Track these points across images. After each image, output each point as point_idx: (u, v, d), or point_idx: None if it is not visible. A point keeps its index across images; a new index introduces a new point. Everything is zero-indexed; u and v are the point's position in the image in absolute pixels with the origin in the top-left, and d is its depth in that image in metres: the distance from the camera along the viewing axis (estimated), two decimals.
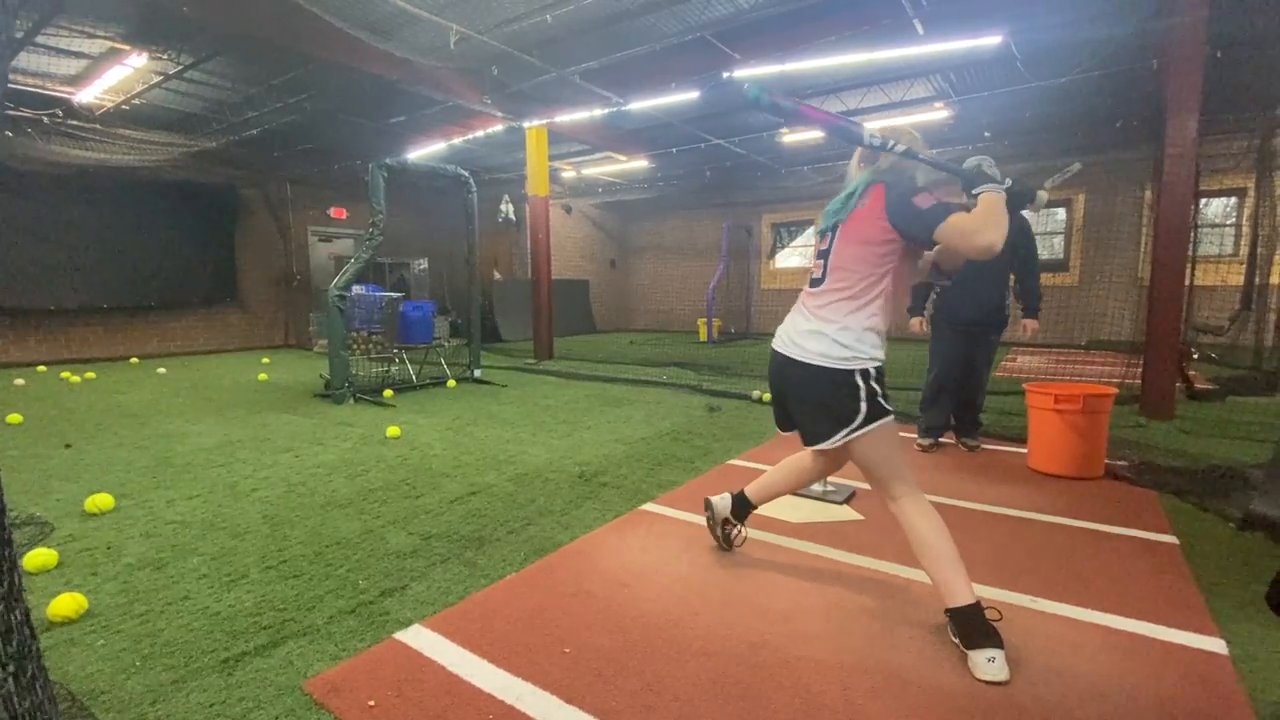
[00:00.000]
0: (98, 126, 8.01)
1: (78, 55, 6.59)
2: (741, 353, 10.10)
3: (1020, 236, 3.68)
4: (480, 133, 9.18)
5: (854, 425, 1.84)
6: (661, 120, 9.09)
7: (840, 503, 2.99)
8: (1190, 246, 4.95)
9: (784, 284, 14.43)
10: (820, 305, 1.92)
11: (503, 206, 13.03)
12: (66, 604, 1.95)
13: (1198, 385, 5.60)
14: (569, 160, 12.05)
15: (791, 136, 9.76)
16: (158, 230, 9.93)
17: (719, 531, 2.45)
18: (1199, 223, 7.16)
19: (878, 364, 1.90)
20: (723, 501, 2.41)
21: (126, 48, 6.28)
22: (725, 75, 6.78)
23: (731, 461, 3.72)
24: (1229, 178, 8.91)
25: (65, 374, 7.75)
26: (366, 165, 6.06)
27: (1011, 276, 3.81)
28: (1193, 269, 5.22)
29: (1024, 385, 3.59)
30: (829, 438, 1.88)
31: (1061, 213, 11.46)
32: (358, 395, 5.87)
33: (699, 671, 1.69)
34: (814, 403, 1.91)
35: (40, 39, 5.97)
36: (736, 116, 9.08)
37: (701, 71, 6.93)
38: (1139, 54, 6.13)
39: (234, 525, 2.76)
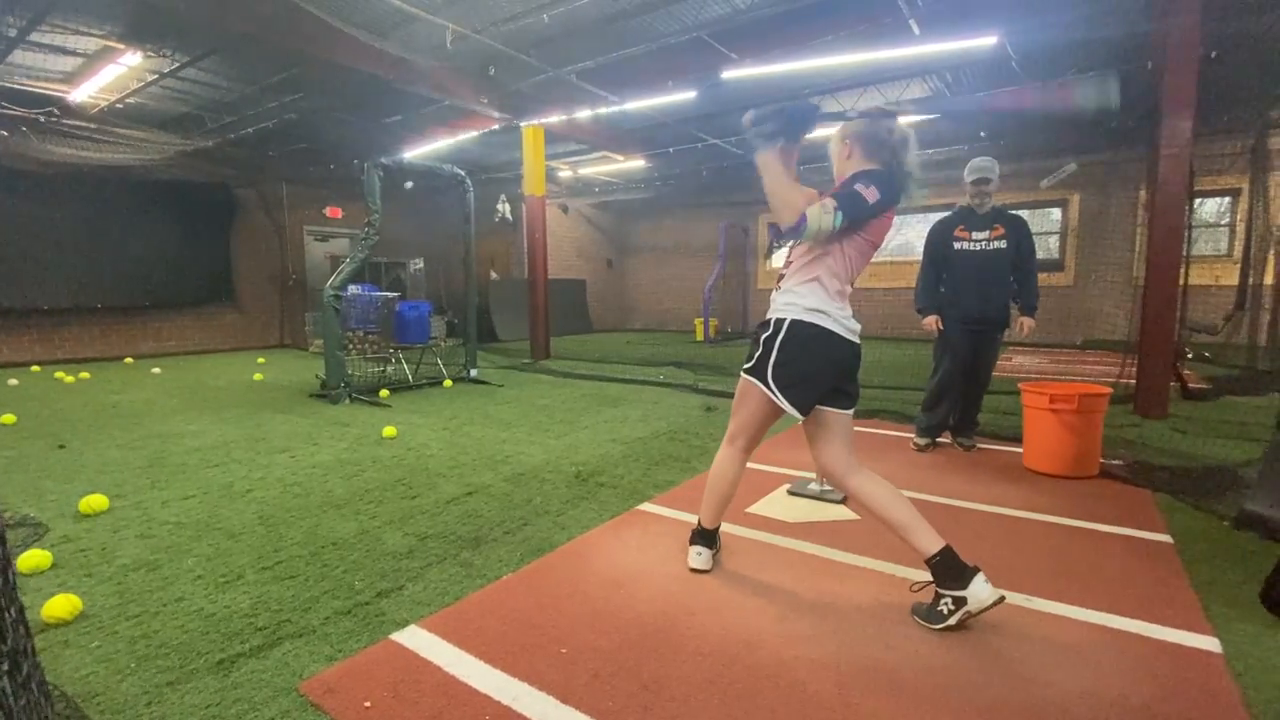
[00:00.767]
0: (92, 125, 7.97)
1: (72, 53, 6.56)
2: (738, 352, 10.11)
3: (1021, 234, 3.73)
4: (477, 132, 9.17)
5: None
6: (658, 120, 9.09)
7: (837, 502, 3.00)
8: (1185, 246, 4.97)
9: None
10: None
11: (499, 206, 13.01)
12: (61, 605, 1.94)
13: (1192, 385, 5.62)
14: (566, 160, 12.04)
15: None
16: (152, 230, 9.89)
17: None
18: (1193, 223, 7.19)
19: None
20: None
21: (121, 46, 6.25)
22: (722, 75, 6.79)
23: None
24: (1223, 178, 8.95)
25: (59, 374, 7.71)
26: (362, 165, 6.05)
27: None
28: (1187, 269, 5.24)
29: (1020, 385, 3.61)
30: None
31: (1057, 213, 11.50)
32: (354, 395, 5.85)
33: (695, 671, 1.69)
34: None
35: (34, 37, 5.93)
36: (733, 116, 9.08)
37: (698, 71, 6.94)
38: (1134, 55, 6.16)
39: (229, 526, 2.75)
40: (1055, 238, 11.52)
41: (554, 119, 8.53)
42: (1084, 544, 2.52)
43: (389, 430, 4.45)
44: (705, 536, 2.29)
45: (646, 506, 2.98)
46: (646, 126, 9.74)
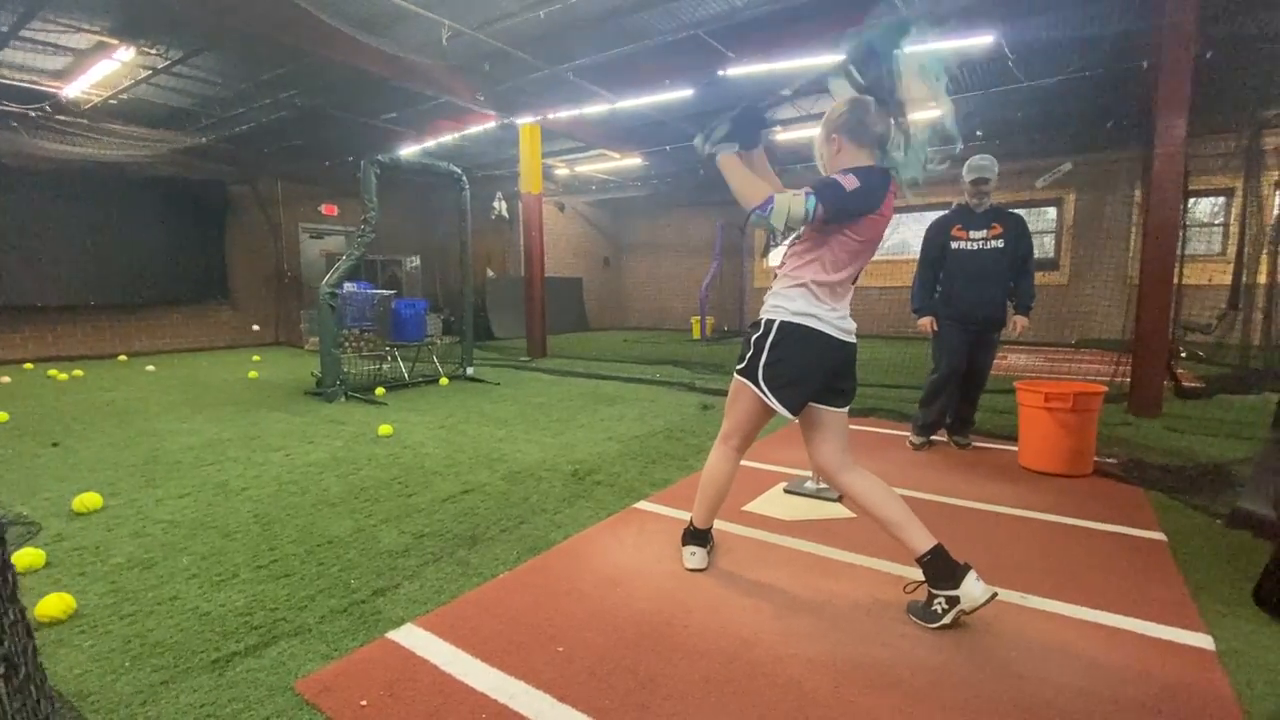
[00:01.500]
0: (85, 122, 7.92)
1: (64, 49, 6.51)
2: (735, 351, 10.10)
3: (1019, 233, 3.72)
4: (473, 129, 9.15)
5: None
6: (655, 117, 9.08)
7: (833, 500, 3.01)
8: (1179, 246, 5.00)
9: None
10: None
11: (496, 204, 12.98)
12: (54, 604, 1.93)
13: (1186, 383, 5.65)
14: (562, 158, 12.02)
15: (785, 134, 9.78)
16: (146, 227, 9.83)
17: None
18: (1188, 222, 7.22)
19: None
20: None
21: (114, 42, 6.21)
22: (719, 73, 6.78)
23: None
24: (1217, 178, 8.99)
25: (52, 371, 7.67)
26: (358, 162, 6.02)
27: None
28: (1181, 268, 5.26)
29: (1015, 384, 3.62)
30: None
31: (1052, 212, 11.54)
32: (349, 393, 5.83)
33: (692, 669, 1.69)
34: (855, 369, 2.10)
35: (26, 33, 5.89)
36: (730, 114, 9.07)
37: (695, 69, 6.94)
38: (1129, 54, 6.18)
39: (224, 524, 2.74)
40: (1051, 237, 11.55)
41: (551, 116, 8.51)
42: (1078, 542, 2.53)
43: (385, 428, 4.44)
44: (697, 536, 2.30)
45: (643, 505, 2.98)
46: (643, 124, 9.73)
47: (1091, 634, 1.86)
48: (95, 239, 9.31)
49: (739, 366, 2.08)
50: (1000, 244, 3.69)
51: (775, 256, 2.24)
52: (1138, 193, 6.29)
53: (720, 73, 6.77)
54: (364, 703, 1.55)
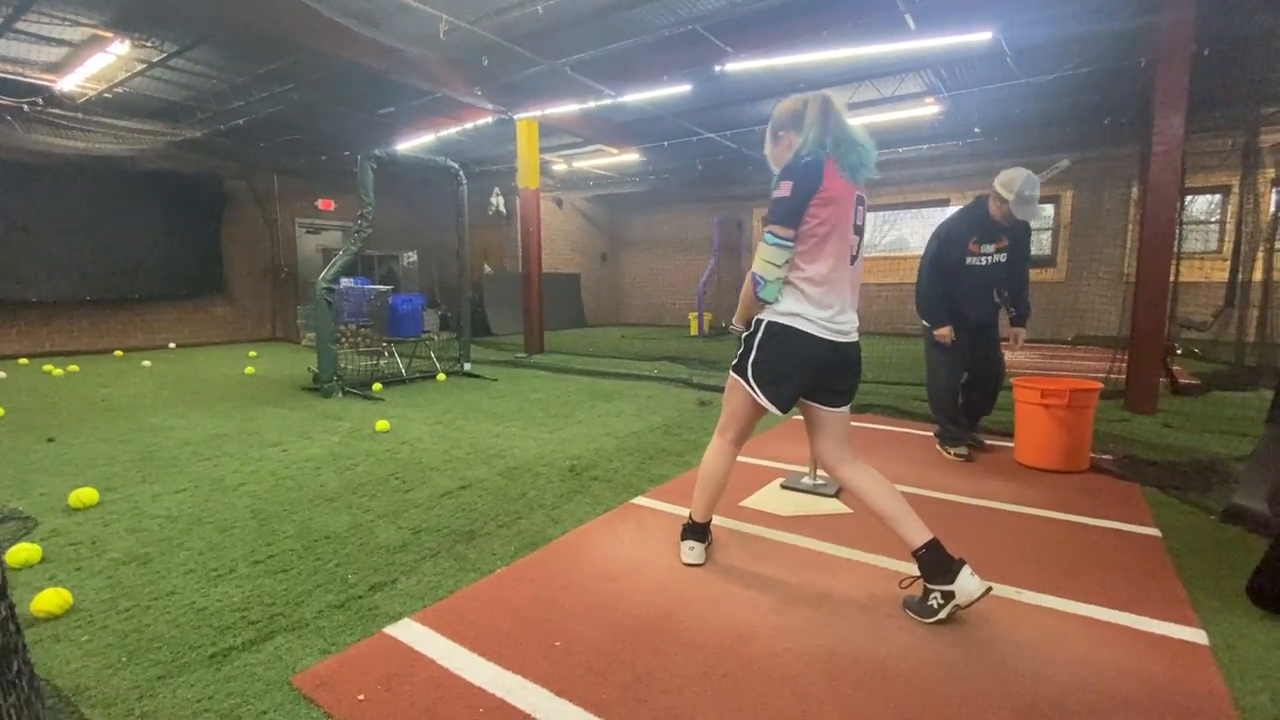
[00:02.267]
0: (79, 115, 7.86)
1: (58, 42, 6.46)
2: (732, 347, 10.11)
3: (1022, 241, 3.57)
4: (470, 124, 9.12)
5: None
6: (653, 113, 9.06)
7: (830, 496, 3.01)
8: (1175, 243, 5.01)
9: None
10: (850, 304, 2.04)
11: (493, 199, 12.95)
12: (50, 599, 1.93)
13: (1181, 380, 5.67)
14: (560, 153, 11.98)
15: None
16: (142, 221, 9.79)
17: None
18: (1184, 220, 7.23)
19: None
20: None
21: (109, 34, 6.16)
22: (717, 68, 6.76)
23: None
24: (1214, 175, 9.01)
25: (48, 367, 7.64)
26: (355, 157, 5.99)
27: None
28: (1177, 265, 5.27)
29: (1011, 380, 3.63)
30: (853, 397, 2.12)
31: (1049, 209, 11.55)
32: (346, 389, 5.82)
33: (689, 664, 1.69)
34: (858, 370, 2.11)
35: (20, 25, 5.85)
36: (728, 110, 9.07)
37: (693, 64, 6.91)
38: (1127, 51, 6.18)
39: (221, 520, 2.74)
40: (1048, 234, 11.57)
41: (549, 111, 8.48)
42: (1074, 538, 2.54)
43: (382, 424, 4.44)
44: (696, 530, 2.31)
45: (640, 500, 2.99)
46: (641, 120, 9.70)
47: (1086, 629, 1.87)
48: (90, 234, 9.27)
49: (734, 362, 2.14)
50: (1003, 258, 3.57)
51: None
52: (1135, 190, 6.31)
53: (718, 68, 6.76)
54: (361, 697, 1.56)
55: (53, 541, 2.49)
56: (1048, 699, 1.55)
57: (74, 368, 7.68)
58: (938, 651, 1.75)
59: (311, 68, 7.14)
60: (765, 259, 1.93)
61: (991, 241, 3.55)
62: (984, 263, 3.58)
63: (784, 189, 1.89)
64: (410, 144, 10.11)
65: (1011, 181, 3.34)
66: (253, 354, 9.36)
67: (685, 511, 2.43)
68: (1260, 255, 7.34)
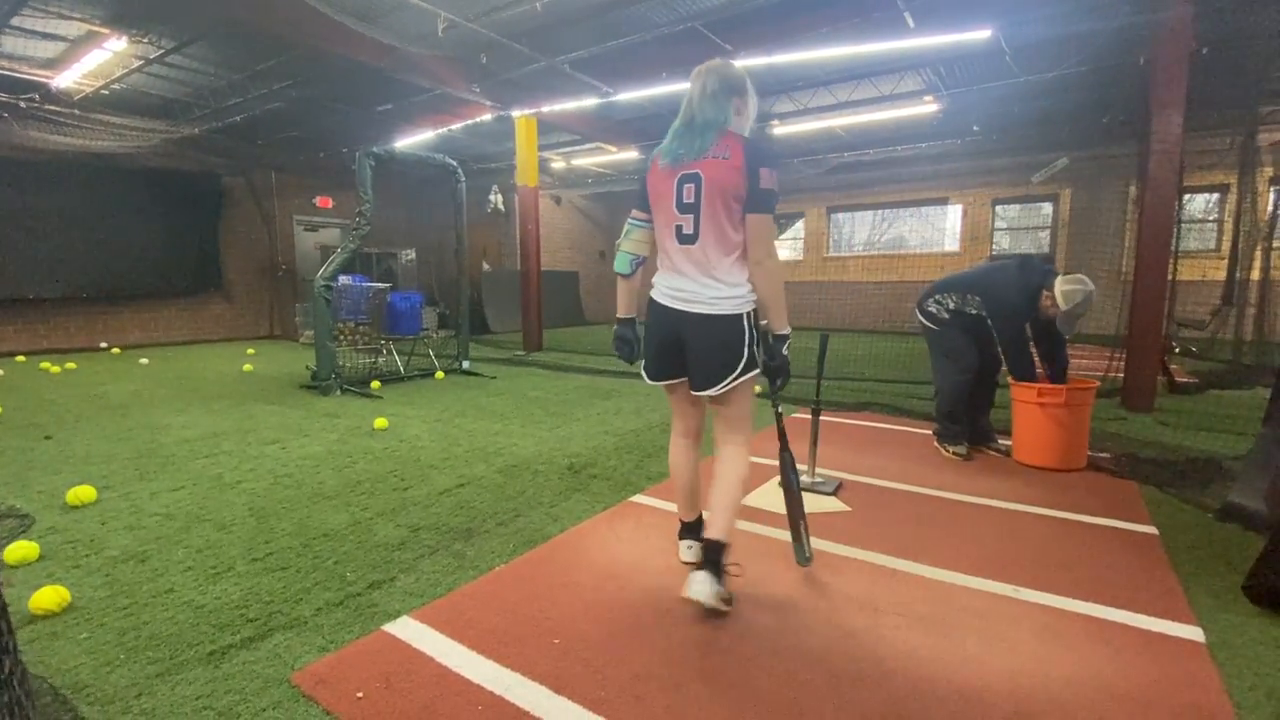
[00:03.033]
0: (76, 112, 7.83)
1: (55, 38, 6.43)
2: None
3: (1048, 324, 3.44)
4: (469, 121, 9.09)
5: (738, 371, 1.92)
6: (652, 111, 9.05)
7: (828, 494, 3.02)
8: (1173, 242, 5.01)
9: None
10: (712, 276, 1.90)
11: (492, 197, 12.93)
12: (48, 597, 1.93)
13: (1179, 379, 5.68)
14: (558, 151, 11.97)
15: (781, 128, 9.76)
16: (139, 218, 9.77)
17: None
18: (1182, 218, 7.24)
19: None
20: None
21: (105, 31, 6.14)
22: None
23: None
24: (1212, 174, 9.03)
25: (45, 364, 7.62)
26: (353, 154, 5.98)
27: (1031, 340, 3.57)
28: (1175, 264, 5.28)
29: (1009, 379, 3.63)
30: (719, 382, 1.93)
31: (1048, 207, 11.56)
32: (345, 387, 5.82)
33: (687, 662, 1.70)
34: (716, 349, 1.93)
35: (16, 21, 5.82)
36: None
37: (692, 62, 6.82)
38: (1126, 50, 6.18)
39: (219, 517, 2.74)
40: (1046, 232, 11.58)
41: (547, 109, 8.46)
42: (1071, 535, 2.55)
43: (380, 422, 4.43)
44: (688, 529, 2.25)
45: (639, 498, 2.99)
46: (640, 117, 9.69)
47: (1083, 626, 1.88)
48: (88, 231, 9.25)
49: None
50: None
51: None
52: (1133, 188, 6.31)
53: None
54: (360, 695, 1.56)
55: (51, 539, 2.49)
56: (1045, 696, 1.56)
57: (71, 365, 7.67)
58: (936, 648, 1.76)
59: (309, 65, 7.12)
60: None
61: None
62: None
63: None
64: (409, 141, 10.08)
65: (1072, 295, 3.29)
66: (251, 351, 9.34)
67: None
68: (1258, 254, 7.35)
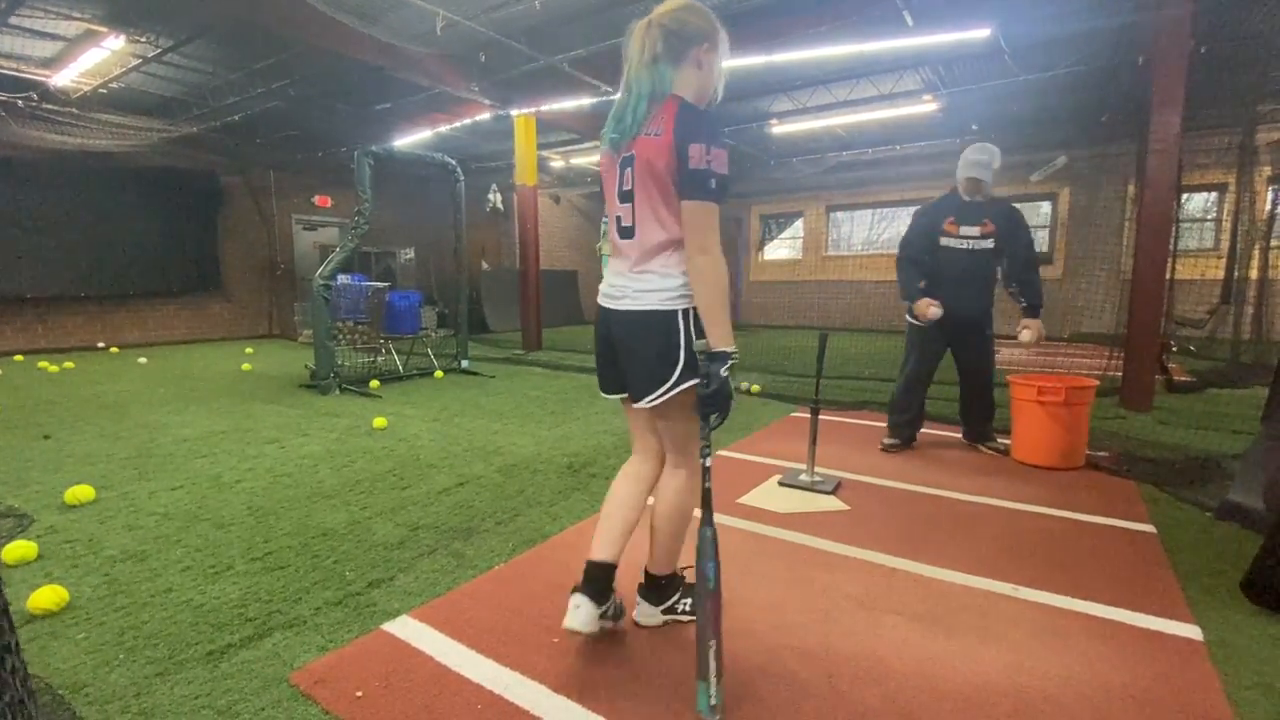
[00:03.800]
0: (74, 110, 7.82)
1: (53, 37, 6.42)
2: None
3: (1014, 227, 3.44)
4: (468, 120, 9.09)
5: (674, 378, 1.58)
6: None
7: (827, 493, 3.02)
8: (1172, 241, 5.02)
9: (773, 276, 14.46)
10: (645, 268, 1.61)
11: (490, 196, 12.91)
12: (47, 596, 1.92)
13: (1177, 378, 5.69)
14: (558, 150, 11.96)
15: (781, 128, 9.75)
16: (137, 217, 9.75)
17: (607, 626, 1.81)
18: (1180, 217, 7.26)
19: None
20: (581, 610, 1.65)
21: (104, 29, 6.13)
22: None
23: (721, 452, 3.73)
24: (1211, 173, 9.04)
25: (43, 363, 7.61)
26: (351, 153, 5.97)
27: (1000, 271, 3.57)
28: (1174, 263, 5.30)
29: (1008, 378, 3.64)
30: (652, 392, 1.61)
31: (1046, 206, 11.57)
32: (343, 386, 5.81)
33: (685, 660, 1.70)
34: (645, 352, 1.63)
35: (14, 20, 5.81)
36: (725, 107, 9.05)
37: None
38: (1125, 48, 6.18)
39: (218, 517, 2.73)
40: (1045, 231, 11.59)
41: (546, 108, 8.46)
42: (1069, 534, 2.55)
43: (379, 421, 4.43)
44: (591, 577, 1.77)
45: None
46: None
47: (1081, 624, 1.88)
48: (86, 230, 9.23)
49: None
50: (989, 245, 3.44)
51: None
52: (1131, 187, 6.32)
53: None
54: (359, 694, 1.56)
55: (49, 539, 2.49)
56: (1042, 693, 1.56)
57: (70, 364, 7.65)
58: (934, 647, 1.76)
59: (308, 63, 7.11)
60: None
61: (973, 224, 3.44)
62: (965, 246, 3.46)
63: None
64: (407, 140, 10.07)
65: (964, 153, 3.43)
66: (249, 351, 9.33)
67: None
68: (1256, 253, 7.36)
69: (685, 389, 1.59)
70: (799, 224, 14.14)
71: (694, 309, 1.58)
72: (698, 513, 1.59)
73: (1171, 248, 4.99)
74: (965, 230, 3.47)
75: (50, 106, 7.66)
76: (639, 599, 1.87)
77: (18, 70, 7.01)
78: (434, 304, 12.34)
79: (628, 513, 1.76)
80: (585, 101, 8.21)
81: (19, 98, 7.35)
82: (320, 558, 2.33)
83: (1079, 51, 6.61)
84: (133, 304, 10.03)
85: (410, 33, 6.47)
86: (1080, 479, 3.23)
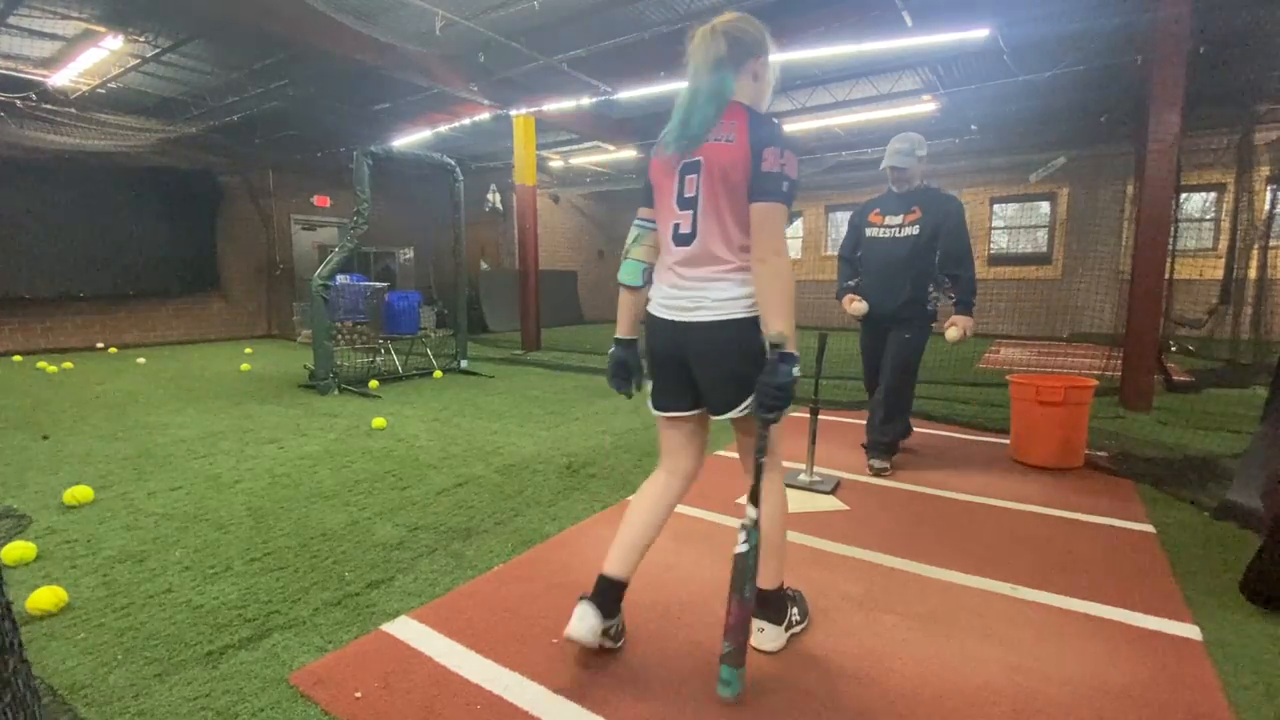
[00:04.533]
0: (73, 111, 7.81)
1: (51, 37, 6.41)
2: None
3: (942, 216, 3.17)
4: (467, 120, 9.08)
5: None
6: (650, 109, 9.05)
7: (827, 492, 3.02)
8: (1170, 241, 5.02)
9: None
10: (718, 276, 1.60)
11: (490, 196, 12.91)
12: (46, 597, 1.92)
13: (1176, 377, 5.70)
14: (557, 150, 11.96)
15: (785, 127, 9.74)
16: (136, 217, 9.74)
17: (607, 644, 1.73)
18: (1179, 217, 7.26)
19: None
20: (585, 621, 1.64)
21: (102, 29, 6.12)
22: None
23: (720, 452, 3.73)
24: (1209, 173, 9.05)
25: (42, 364, 7.60)
26: (350, 153, 5.96)
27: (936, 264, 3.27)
28: (1172, 263, 5.30)
29: (1007, 377, 3.64)
30: (741, 403, 1.59)
31: (1045, 206, 11.58)
32: (343, 386, 5.81)
33: (686, 661, 1.70)
34: (729, 362, 1.60)
35: (12, 20, 5.80)
36: None
37: None
38: (1124, 49, 6.19)
39: (217, 517, 2.73)
40: (1044, 231, 11.60)
41: (545, 108, 8.45)
42: (1068, 534, 2.56)
43: (379, 421, 4.43)
44: (602, 591, 1.75)
45: None
46: (639, 116, 9.68)
47: (1080, 624, 1.88)
48: (85, 230, 9.22)
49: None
50: (914, 230, 3.19)
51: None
52: (1130, 187, 6.32)
53: None
54: (358, 694, 1.56)
55: (48, 539, 2.48)
56: (1041, 693, 1.56)
57: (68, 365, 7.64)
58: (933, 647, 1.76)
59: (307, 63, 7.10)
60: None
61: (898, 213, 3.27)
62: (886, 235, 3.28)
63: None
64: (407, 140, 10.06)
65: (889, 144, 3.33)
66: (248, 351, 9.33)
67: (685, 509, 2.43)
68: (1255, 253, 7.37)
69: None
70: (798, 224, 14.15)
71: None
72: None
73: (1170, 248, 4.99)
74: (890, 220, 3.31)
75: (49, 106, 7.65)
76: (758, 622, 1.70)
77: (16, 70, 7.00)
78: (433, 304, 12.33)
79: (650, 532, 1.76)
80: (584, 101, 8.20)
81: (18, 98, 7.34)
82: (319, 558, 2.32)
83: (1078, 52, 6.61)
84: (131, 304, 10.02)
85: (410, 33, 6.47)
86: (1079, 478, 3.23)
